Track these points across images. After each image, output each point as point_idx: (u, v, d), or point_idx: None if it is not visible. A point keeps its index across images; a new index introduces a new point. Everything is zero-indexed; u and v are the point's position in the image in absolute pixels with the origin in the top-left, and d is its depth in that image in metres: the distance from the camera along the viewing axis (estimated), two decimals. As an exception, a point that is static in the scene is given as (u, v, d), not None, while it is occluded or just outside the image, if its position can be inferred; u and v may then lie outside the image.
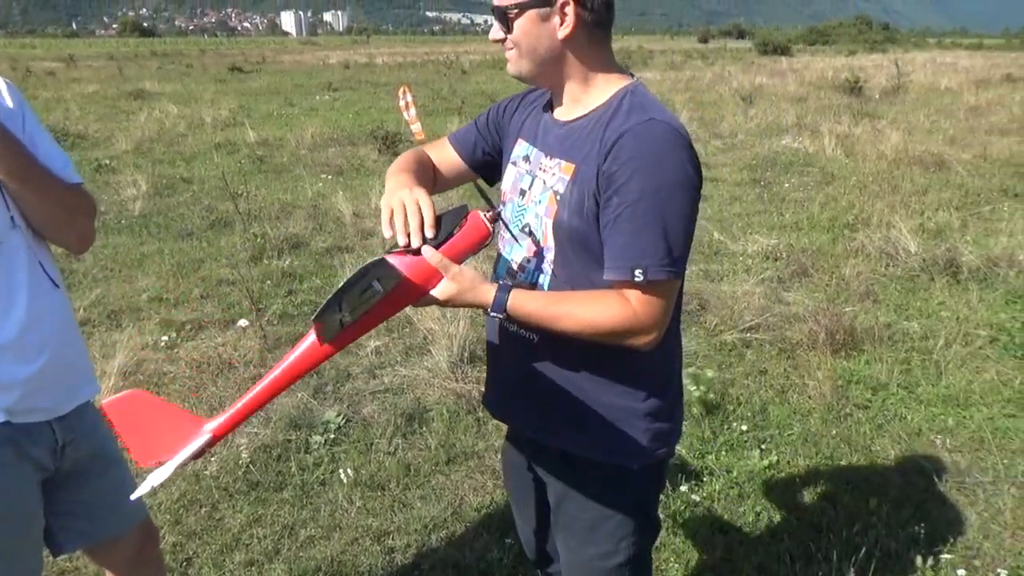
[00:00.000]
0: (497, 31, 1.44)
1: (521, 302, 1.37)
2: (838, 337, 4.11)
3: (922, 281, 5.18)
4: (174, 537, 2.74)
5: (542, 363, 1.52)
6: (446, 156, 1.71)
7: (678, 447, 3.25)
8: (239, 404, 1.33)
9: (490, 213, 1.40)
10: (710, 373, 3.61)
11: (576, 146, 1.42)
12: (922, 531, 2.69)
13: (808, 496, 2.97)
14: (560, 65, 1.43)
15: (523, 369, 1.55)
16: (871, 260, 5.52)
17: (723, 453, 3.25)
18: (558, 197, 1.43)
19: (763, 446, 3.30)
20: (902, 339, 4.29)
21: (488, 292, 1.36)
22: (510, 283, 1.43)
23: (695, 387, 3.49)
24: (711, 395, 3.52)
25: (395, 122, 11.24)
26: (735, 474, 3.10)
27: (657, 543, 2.54)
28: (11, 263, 1.51)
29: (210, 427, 1.33)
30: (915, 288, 5.08)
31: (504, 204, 1.59)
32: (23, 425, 1.54)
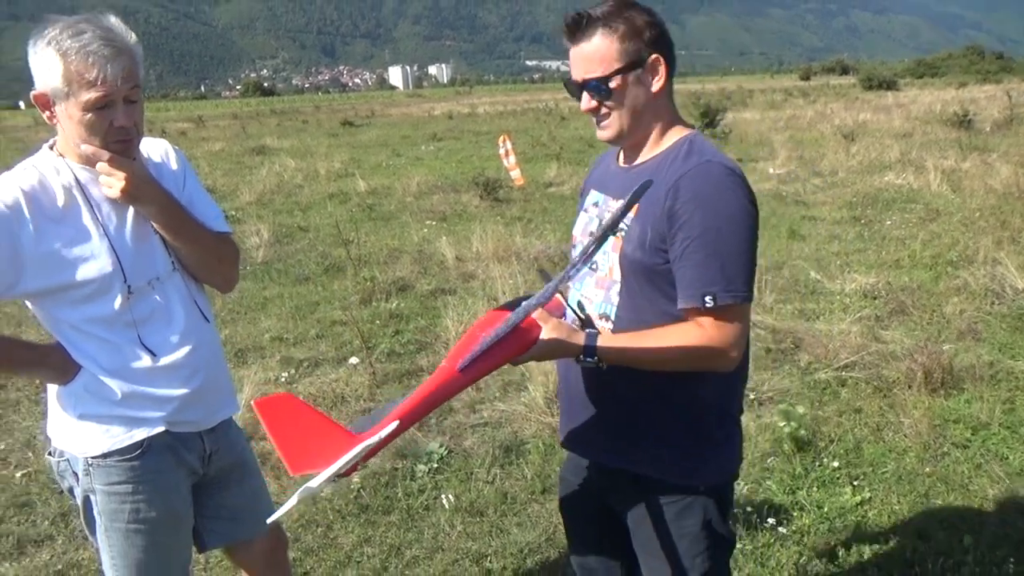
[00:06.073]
0: (589, 101, 1.57)
1: (609, 343, 1.53)
2: (936, 375, 4.05)
3: (1032, 319, 5.00)
4: (294, 553, 3.02)
5: (611, 392, 1.67)
6: None
7: (768, 481, 3.31)
8: (390, 418, 1.34)
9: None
10: (801, 409, 3.64)
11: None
12: (1019, 572, 2.66)
13: (900, 533, 2.97)
14: (650, 118, 1.58)
15: (593, 398, 1.71)
16: (975, 298, 5.38)
17: (814, 489, 3.28)
18: (622, 233, 1.58)
19: (855, 483, 3.31)
20: (1006, 378, 4.18)
21: (579, 338, 1.53)
22: (594, 330, 1.59)
23: (785, 423, 3.54)
24: (802, 431, 3.55)
25: (496, 169, 11.66)
26: (826, 510, 3.13)
27: None
28: (172, 299, 1.83)
29: (384, 432, 1.31)
30: (1022, 326, 4.92)
31: (574, 246, 1.79)
32: (179, 434, 1.84)
